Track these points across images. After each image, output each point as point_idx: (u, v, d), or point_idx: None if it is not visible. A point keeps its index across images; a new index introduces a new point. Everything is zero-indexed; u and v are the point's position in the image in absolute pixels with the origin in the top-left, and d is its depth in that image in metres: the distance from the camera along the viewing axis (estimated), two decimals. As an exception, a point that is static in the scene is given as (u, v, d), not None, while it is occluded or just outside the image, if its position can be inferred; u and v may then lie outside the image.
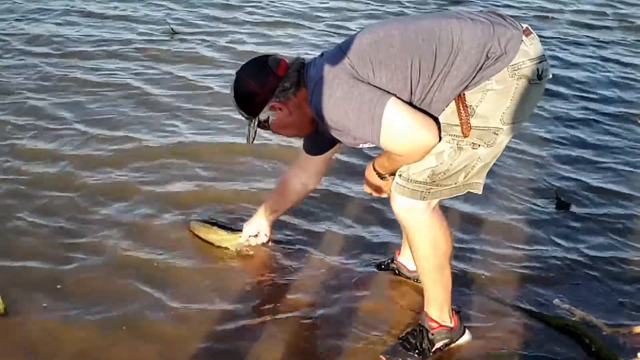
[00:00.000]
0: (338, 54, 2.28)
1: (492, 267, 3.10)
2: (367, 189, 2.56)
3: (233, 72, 2.48)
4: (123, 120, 4.21)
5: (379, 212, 3.40)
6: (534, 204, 3.65)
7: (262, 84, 2.35)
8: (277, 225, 3.10)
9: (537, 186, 3.83)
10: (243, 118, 2.44)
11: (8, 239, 3.04)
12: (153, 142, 3.97)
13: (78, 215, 3.23)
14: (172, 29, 5.77)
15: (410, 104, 2.22)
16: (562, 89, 5.12)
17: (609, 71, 5.59)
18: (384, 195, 2.55)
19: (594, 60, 5.80)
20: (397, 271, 2.96)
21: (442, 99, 2.23)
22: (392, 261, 2.99)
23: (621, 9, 7.25)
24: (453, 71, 2.20)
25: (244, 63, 2.44)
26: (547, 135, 4.43)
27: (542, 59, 2.25)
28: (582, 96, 5.08)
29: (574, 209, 3.61)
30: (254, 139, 2.44)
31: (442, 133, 2.24)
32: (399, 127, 2.18)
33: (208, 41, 5.61)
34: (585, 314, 2.76)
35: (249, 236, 2.99)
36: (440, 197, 2.37)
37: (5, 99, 4.38)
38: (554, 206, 3.62)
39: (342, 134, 2.37)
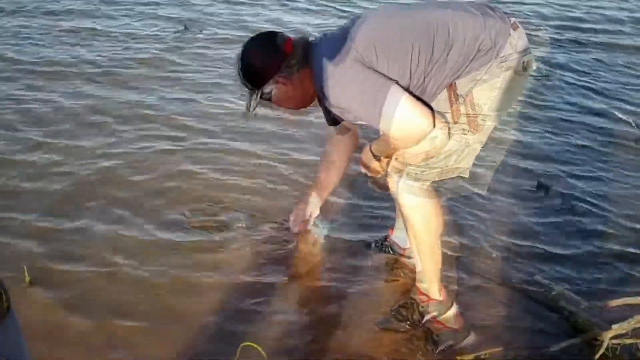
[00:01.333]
0: (344, 37, 2.36)
1: (477, 245, 3.26)
2: (363, 169, 2.70)
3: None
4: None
5: (370, 191, 3.53)
6: (517, 186, 3.81)
7: (269, 59, 2.42)
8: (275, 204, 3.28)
9: (521, 170, 3.98)
10: (246, 89, 2.49)
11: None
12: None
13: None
14: (185, 27, 5.82)
15: (407, 90, 2.34)
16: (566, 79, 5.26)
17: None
18: (378, 176, 2.70)
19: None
20: (390, 249, 3.12)
21: (436, 86, 2.36)
22: (385, 239, 3.15)
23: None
24: (448, 61, 2.32)
25: (251, 36, 2.49)
26: (535, 125, 4.56)
27: (527, 51, 2.37)
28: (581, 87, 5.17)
29: (557, 192, 3.75)
30: (254, 109, 2.49)
31: (436, 120, 2.34)
32: (399, 114, 2.28)
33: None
34: (563, 289, 2.91)
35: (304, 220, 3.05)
36: (432, 179, 2.51)
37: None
38: (535, 187, 3.79)
39: (344, 112, 2.48)
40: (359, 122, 2.62)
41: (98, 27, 5.68)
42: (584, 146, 4.32)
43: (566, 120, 4.62)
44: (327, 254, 3.12)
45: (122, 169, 3.68)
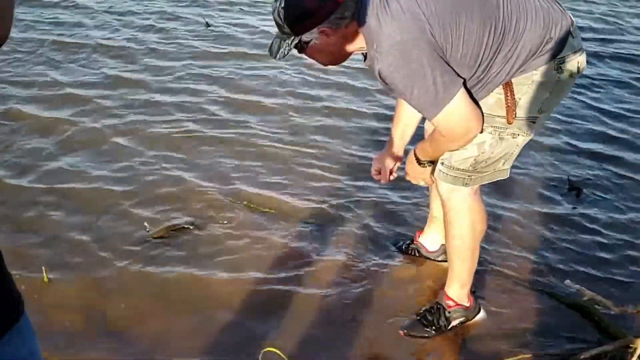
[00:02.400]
0: (416, 11, 2.12)
1: (507, 249, 3.20)
2: (408, 177, 2.64)
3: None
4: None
5: (402, 190, 3.53)
6: (549, 188, 3.75)
7: (321, 6, 2.15)
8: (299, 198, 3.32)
9: (551, 172, 3.91)
10: (280, 33, 2.21)
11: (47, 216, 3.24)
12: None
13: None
14: (206, 23, 5.83)
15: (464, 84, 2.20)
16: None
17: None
18: (422, 184, 2.65)
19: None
20: (416, 252, 3.08)
21: (494, 83, 2.24)
22: (412, 242, 3.11)
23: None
24: (512, 57, 2.19)
25: None
26: (563, 126, 4.48)
27: (582, 52, 2.26)
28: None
29: (589, 194, 3.69)
30: (285, 55, 2.21)
31: (485, 124, 2.26)
32: (457, 117, 2.19)
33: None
34: (594, 294, 2.84)
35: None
36: (480, 183, 2.46)
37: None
38: (567, 189, 3.72)
39: (395, 90, 2.28)
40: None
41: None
42: (617, 148, 4.23)
43: (599, 122, 4.53)
44: (351, 256, 3.09)
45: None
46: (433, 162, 2.50)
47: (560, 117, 4.50)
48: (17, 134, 3.95)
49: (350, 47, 2.27)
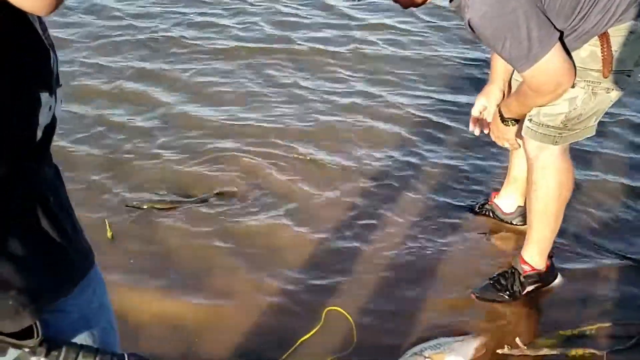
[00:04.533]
0: None
1: (587, 213, 3.06)
2: (492, 136, 2.55)
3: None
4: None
5: (477, 149, 3.41)
6: (634, 149, 3.56)
7: None
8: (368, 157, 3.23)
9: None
10: None
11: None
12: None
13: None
14: None
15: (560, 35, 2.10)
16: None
17: None
18: (509, 147, 2.55)
19: None
20: (491, 213, 2.97)
21: (590, 33, 2.12)
22: (487, 202, 3.00)
23: None
24: (612, 6, 2.07)
25: None
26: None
27: None
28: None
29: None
30: None
31: (577, 79, 2.15)
32: (549, 72, 2.10)
33: None
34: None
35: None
36: (571, 141, 2.35)
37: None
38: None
39: (483, 42, 2.24)
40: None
41: None
42: None
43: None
44: (420, 215, 3.00)
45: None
46: (518, 122, 2.39)
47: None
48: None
49: None
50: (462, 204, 3.08)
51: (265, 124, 3.61)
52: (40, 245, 1.07)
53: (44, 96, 1.00)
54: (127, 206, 2.95)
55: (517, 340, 2.33)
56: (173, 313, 2.46)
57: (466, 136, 3.39)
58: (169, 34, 4.56)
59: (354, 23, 4.81)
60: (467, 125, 2.74)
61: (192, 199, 3.02)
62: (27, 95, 0.98)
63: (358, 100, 3.87)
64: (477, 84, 3.55)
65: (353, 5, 4.99)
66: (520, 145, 2.50)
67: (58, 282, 1.12)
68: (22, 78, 0.96)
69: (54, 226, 1.09)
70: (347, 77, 4.11)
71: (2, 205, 1.00)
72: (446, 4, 2.20)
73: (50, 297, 1.10)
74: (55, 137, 1.08)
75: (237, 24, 4.76)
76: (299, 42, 4.51)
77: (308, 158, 3.34)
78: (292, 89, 3.97)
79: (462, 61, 4.34)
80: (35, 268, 1.05)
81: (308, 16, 4.91)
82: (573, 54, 2.15)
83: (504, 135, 2.48)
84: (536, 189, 2.42)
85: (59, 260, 1.11)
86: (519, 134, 2.45)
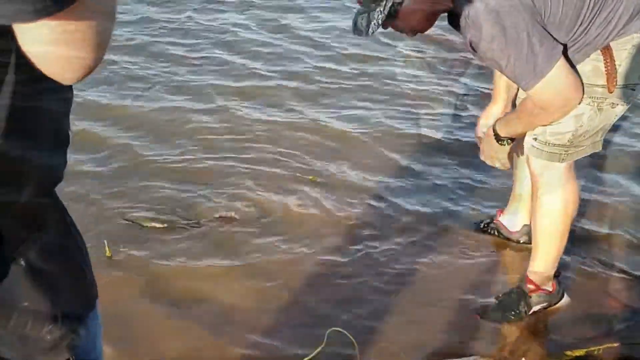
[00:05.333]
0: None
1: (594, 228, 3.03)
2: (482, 156, 2.51)
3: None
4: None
5: (481, 166, 3.34)
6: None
7: None
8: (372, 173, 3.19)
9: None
10: (368, 3, 2.06)
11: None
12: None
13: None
14: None
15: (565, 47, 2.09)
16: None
17: None
18: (500, 167, 2.49)
19: None
20: (496, 231, 2.94)
21: (592, 45, 2.10)
22: (492, 221, 2.97)
23: None
24: (614, 18, 2.06)
25: None
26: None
27: None
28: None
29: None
30: (378, 27, 2.05)
31: (584, 96, 2.14)
32: (557, 87, 2.08)
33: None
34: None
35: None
36: (578, 157, 2.33)
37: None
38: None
39: (485, 61, 2.18)
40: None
41: None
42: None
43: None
44: (424, 234, 2.97)
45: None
46: (513, 141, 2.37)
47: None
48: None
49: (437, 14, 2.15)
50: (466, 222, 3.05)
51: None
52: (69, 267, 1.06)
53: None
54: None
55: (523, 361, 2.31)
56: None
57: (469, 153, 3.37)
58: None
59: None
60: (471, 140, 2.71)
61: (190, 221, 3.01)
62: None
63: (355, 123, 3.84)
64: (479, 102, 3.55)
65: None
66: (510, 166, 2.49)
67: (85, 306, 1.11)
68: None
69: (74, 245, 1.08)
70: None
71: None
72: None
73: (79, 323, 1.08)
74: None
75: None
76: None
77: (318, 180, 3.29)
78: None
79: (460, 77, 4.33)
80: (65, 291, 1.03)
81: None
82: (578, 70, 2.14)
83: (497, 154, 2.44)
84: (541, 207, 2.40)
85: (85, 282, 1.10)
86: (510, 154, 2.43)
